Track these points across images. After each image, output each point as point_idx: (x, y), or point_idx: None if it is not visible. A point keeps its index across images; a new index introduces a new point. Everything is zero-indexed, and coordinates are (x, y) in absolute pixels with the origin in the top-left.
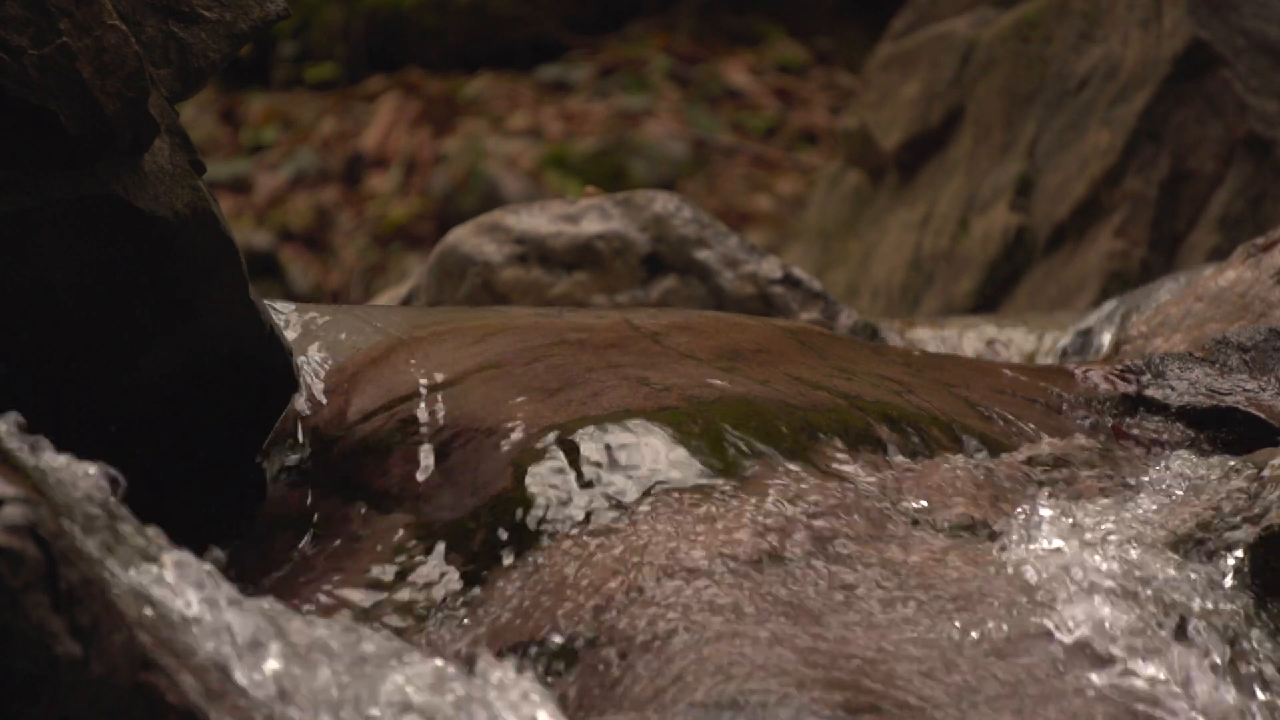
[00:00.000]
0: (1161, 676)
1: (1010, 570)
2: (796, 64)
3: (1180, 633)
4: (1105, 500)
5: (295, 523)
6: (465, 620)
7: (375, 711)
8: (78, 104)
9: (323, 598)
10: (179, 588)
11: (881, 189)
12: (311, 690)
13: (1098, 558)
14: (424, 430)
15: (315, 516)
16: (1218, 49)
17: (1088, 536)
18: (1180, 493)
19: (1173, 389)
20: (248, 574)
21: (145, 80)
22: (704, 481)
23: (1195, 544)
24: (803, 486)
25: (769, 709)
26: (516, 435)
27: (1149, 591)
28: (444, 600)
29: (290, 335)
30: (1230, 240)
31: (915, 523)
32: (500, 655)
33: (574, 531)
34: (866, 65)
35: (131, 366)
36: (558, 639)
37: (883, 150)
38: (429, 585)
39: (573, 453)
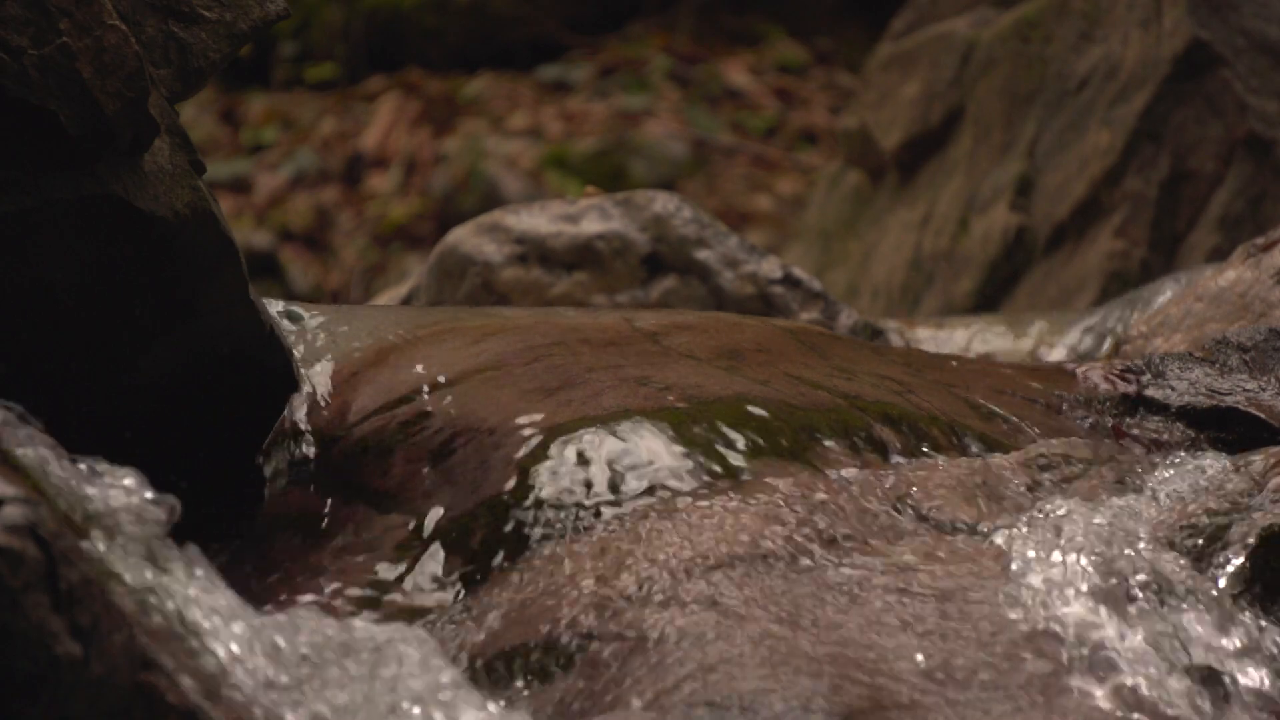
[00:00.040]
0: (1160, 677)
1: (1010, 571)
2: (796, 64)
3: (1181, 634)
4: (1105, 500)
5: (295, 523)
6: (465, 620)
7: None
8: (78, 104)
9: (323, 598)
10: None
11: (881, 189)
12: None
13: (1097, 558)
14: (424, 430)
15: (315, 517)
16: (1218, 49)
17: (1088, 537)
18: (1180, 493)
19: (1173, 389)
20: (248, 574)
21: (145, 80)
22: (703, 482)
23: (1195, 544)
24: (803, 486)
25: (768, 709)
26: (517, 435)
27: (1149, 592)
28: (444, 600)
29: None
30: (1230, 240)
31: (915, 523)
32: (499, 655)
33: (574, 531)
34: (866, 65)
35: (131, 366)
36: (557, 639)
37: (883, 150)
38: (429, 585)
39: (572, 453)
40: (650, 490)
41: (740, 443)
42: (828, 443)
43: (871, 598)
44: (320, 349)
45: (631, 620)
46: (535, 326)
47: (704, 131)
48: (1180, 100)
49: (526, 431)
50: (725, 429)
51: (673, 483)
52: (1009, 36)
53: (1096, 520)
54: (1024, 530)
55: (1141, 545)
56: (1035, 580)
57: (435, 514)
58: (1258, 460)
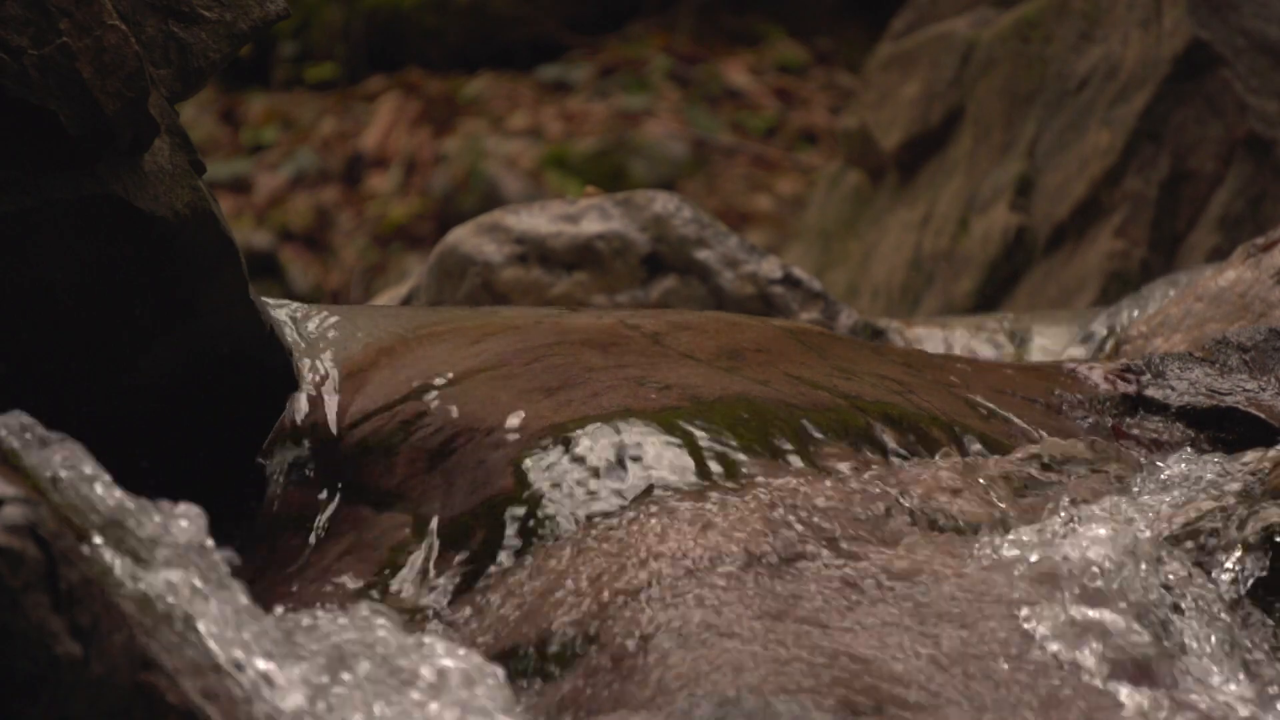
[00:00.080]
0: (1160, 677)
1: (1010, 571)
2: (796, 64)
3: (1179, 633)
4: (1105, 500)
5: (296, 523)
6: (465, 620)
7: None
8: (78, 104)
9: (324, 598)
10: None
11: (881, 189)
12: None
13: (1097, 558)
14: (424, 430)
15: (316, 516)
16: (1218, 49)
17: (1087, 537)
18: (1180, 493)
19: (1173, 389)
20: (249, 574)
21: (145, 80)
22: (703, 481)
23: (1195, 544)
24: (803, 486)
25: (769, 708)
26: (516, 435)
27: (1149, 592)
28: (444, 600)
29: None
30: (1230, 240)
31: (915, 523)
32: (499, 655)
33: (574, 531)
34: (866, 65)
35: (131, 366)
36: (557, 638)
37: (883, 150)
38: (429, 584)
39: (572, 453)
40: (650, 490)
41: (740, 442)
42: (828, 443)
43: (871, 598)
44: (320, 349)
45: (631, 620)
46: (535, 326)
47: (704, 131)
48: (1180, 100)
49: (526, 431)
50: (725, 429)
51: (672, 482)
52: (1009, 36)
53: (1096, 521)
54: (1024, 530)
55: (1142, 545)
56: (1035, 581)
57: (435, 514)
58: (1258, 460)
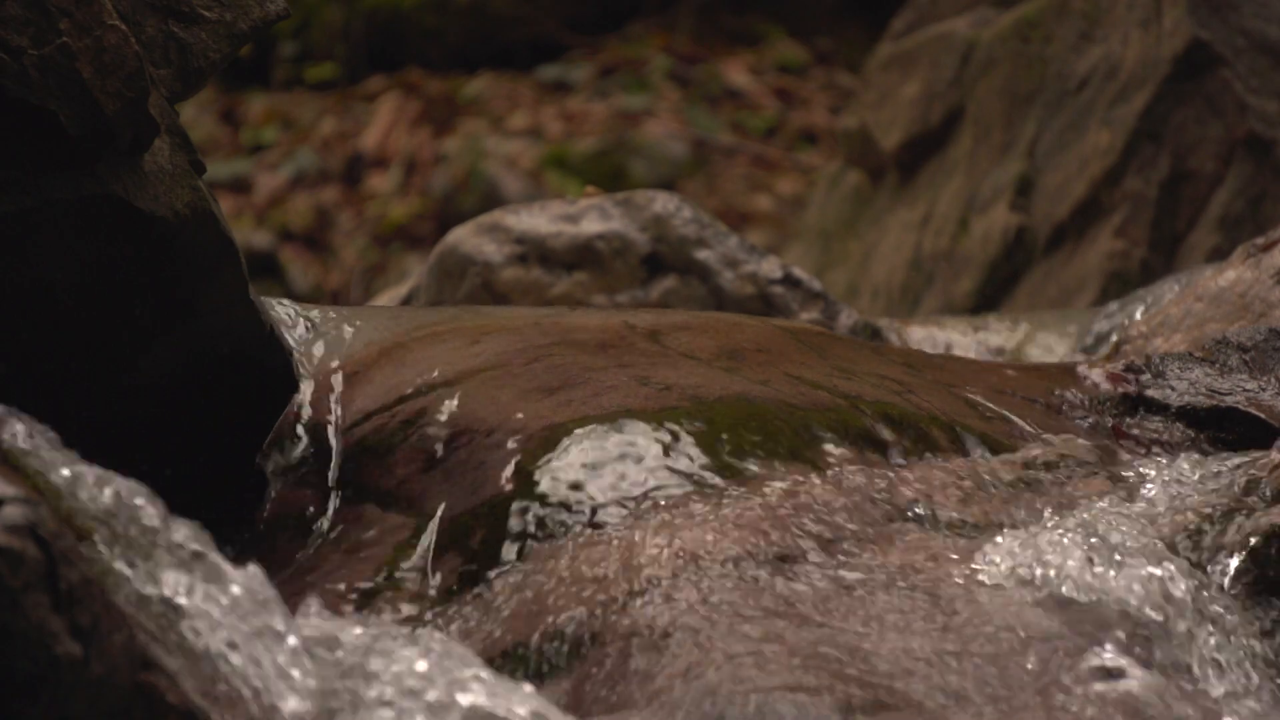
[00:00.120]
0: (1160, 678)
1: (1010, 571)
2: (796, 64)
3: (1179, 633)
4: (1105, 500)
5: (296, 523)
6: (465, 620)
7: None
8: (78, 104)
9: (324, 598)
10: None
11: (881, 189)
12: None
13: (1097, 558)
14: (424, 430)
15: (316, 517)
16: (1218, 49)
17: (1087, 537)
18: (1180, 493)
19: (1173, 389)
20: None
21: (145, 80)
22: (704, 481)
23: (1195, 544)
24: (803, 486)
25: (769, 708)
26: (517, 435)
27: (1149, 592)
28: (444, 599)
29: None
30: (1230, 240)
31: (915, 523)
32: (499, 655)
33: (574, 531)
34: (866, 65)
35: (131, 366)
36: (557, 639)
37: (883, 150)
38: (430, 584)
39: (572, 453)
40: (650, 490)
41: (740, 443)
42: (828, 443)
43: (872, 598)
44: (320, 349)
45: (632, 620)
46: (535, 326)
47: (704, 131)
48: (1180, 100)
49: (526, 431)
50: (725, 429)
51: (672, 483)
52: (1009, 36)
53: (1097, 521)
54: (1024, 531)
55: (1142, 546)
56: (1035, 581)
57: (435, 514)
58: (1258, 460)
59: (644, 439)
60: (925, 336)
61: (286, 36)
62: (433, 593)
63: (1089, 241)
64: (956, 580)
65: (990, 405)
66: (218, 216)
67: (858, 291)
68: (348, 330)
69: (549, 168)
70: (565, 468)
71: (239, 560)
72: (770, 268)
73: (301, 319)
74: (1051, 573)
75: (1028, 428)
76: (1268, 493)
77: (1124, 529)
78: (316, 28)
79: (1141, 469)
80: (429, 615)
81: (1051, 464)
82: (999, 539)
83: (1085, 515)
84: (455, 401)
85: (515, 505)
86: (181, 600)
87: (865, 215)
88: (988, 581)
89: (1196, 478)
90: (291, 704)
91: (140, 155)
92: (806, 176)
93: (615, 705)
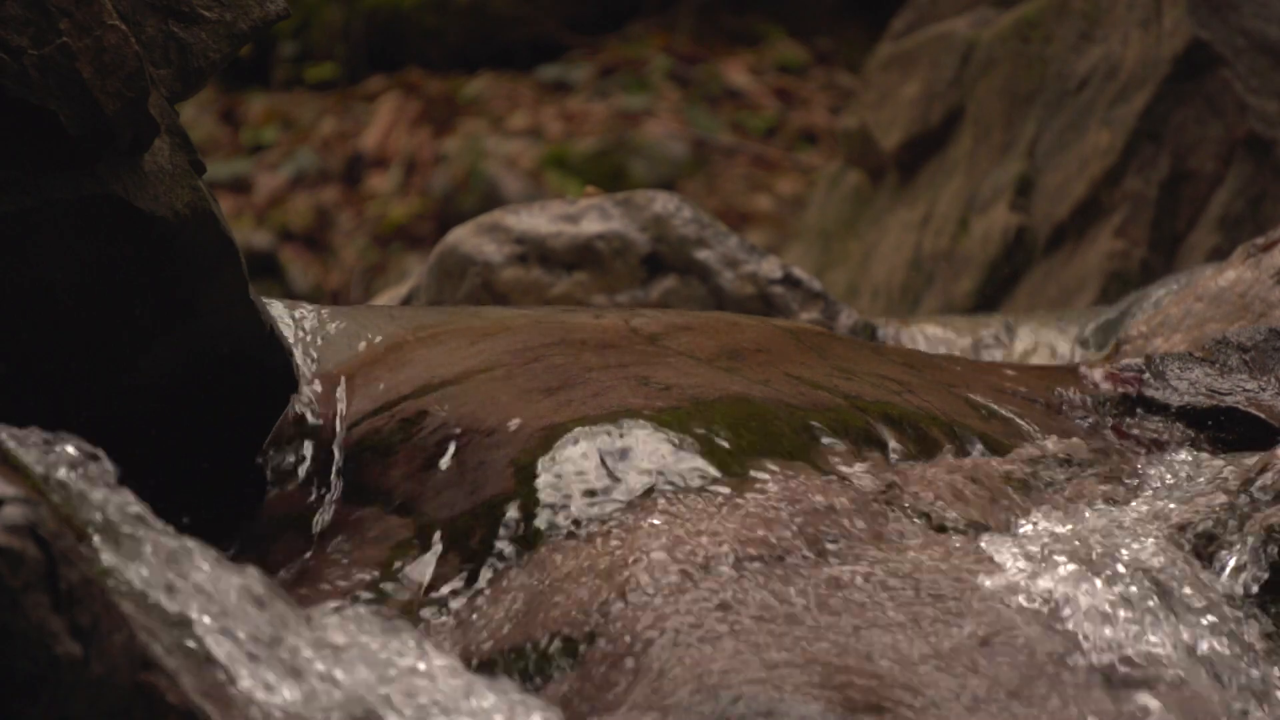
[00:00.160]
0: (1161, 677)
1: (1010, 570)
2: (796, 64)
3: (1180, 633)
4: (1105, 500)
5: (296, 523)
6: (465, 620)
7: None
8: (78, 104)
9: (324, 598)
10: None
11: (881, 189)
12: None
13: (1098, 558)
14: (424, 430)
15: (316, 517)
16: (1218, 49)
17: (1088, 537)
18: (1180, 493)
19: (1173, 389)
20: None
21: (145, 80)
22: (704, 481)
23: (1195, 544)
24: (803, 487)
25: (770, 708)
26: (516, 435)
27: (1149, 592)
28: (444, 599)
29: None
30: (1230, 240)
31: (915, 523)
32: (499, 655)
33: (573, 531)
34: (866, 65)
35: (131, 366)
36: (557, 638)
37: (883, 150)
38: (429, 584)
39: (572, 453)
40: (650, 490)
41: (740, 443)
42: (828, 443)
43: (872, 598)
44: (320, 349)
45: (631, 619)
46: (535, 326)
47: (704, 131)
48: (1180, 100)
49: (526, 431)
50: (725, 429)
51: (672, 482)
52: (1009, 36)
53: (1097, 520)
54: (1024, 531)
55: (1142, 545)
56: (1035, 581)
57: (435, 514)
58: (1257, 460)
59: (644, 439)
60: (918, 337)
61: (286, 36)
62: (433, 593)
63: (1089, 241)
64: (957, 581)
65: (990, 405)
66: (218, 216)
67: (858, 291)
68: (348, 330)
69: (549, 168)
70: (565, 468)
71: (239, 560)
72: (770, 268)
73: (300, 319)
74: (1053, 573)
75: (1028, 428)
76: (1267, 492)
77: (1124, 529)
78: (316, 28)
79: (1141, 469)
80: (429, 616)
81: (1052, 464)
82: (999, 539)
83: (1085, 515)
84: (455, 401)
85: (515, 505)
86: (182, 600)
87: (865, 215)
88: (988, 582)
89: (1196, 478)
90: (291, 704)
91: (140, 155)
92: (806, 176)
93: (614, 705)
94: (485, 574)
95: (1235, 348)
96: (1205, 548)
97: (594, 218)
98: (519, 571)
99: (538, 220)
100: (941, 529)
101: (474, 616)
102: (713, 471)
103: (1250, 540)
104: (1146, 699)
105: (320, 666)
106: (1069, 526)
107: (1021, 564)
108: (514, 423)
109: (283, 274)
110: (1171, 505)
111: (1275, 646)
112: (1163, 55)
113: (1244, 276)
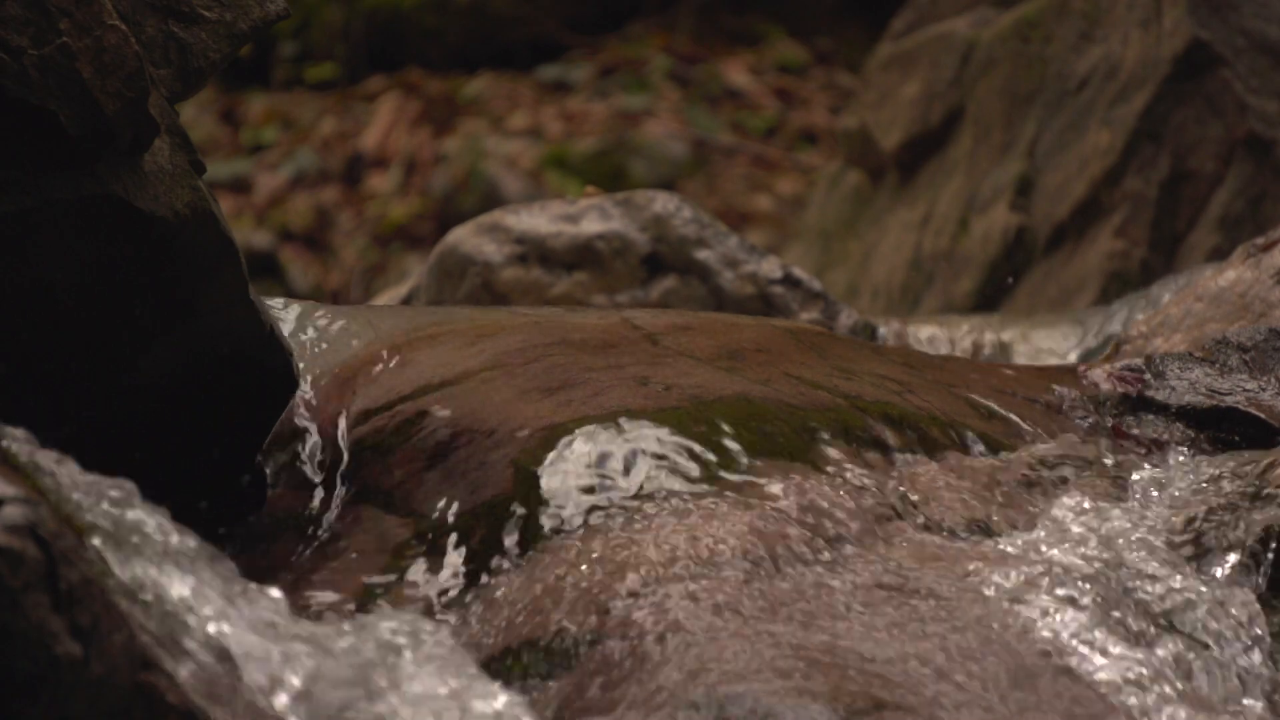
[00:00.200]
0: (1162, 677)
1: (1010, 571)
2: (796, 64)
3: (1180, 633)
4: (1105, 500)
5: (296, 523)
6: (465, 620)
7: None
8: (78, 104)
9: (324, 598)
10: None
11: (881, 189)
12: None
13: (1098, 558)
14: (424, 430)
15: (316, 517)
16: (1218, 49)
17: (1088, 537)
18: (1180, 493)
19: (1173, 389)
20: (249, 575)
21: (145, 80)
22: (703, 482)
23: (1195, 544)
24: (803, 487)
25: (769, 708)
26: (516, 435)
27: (1149, 592)
28: (444, 600)
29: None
30: (1230, 240)
31: (915, 523)
32: (499, 655)
33: (573, 531)
34: (866, 65)
35: (131, 366)
36: (557, 639)
37: (883, 150)
38: (429, 585)
39: (572, 453)
40: (650, 490)
41: (740, 443)
42: (828, 443)
43: (871, 598)
44: (320, 349)
45: (631, 620)
46: (535, 326)
47: (704, 131)
48: (1180, 100)
49: (526, 431)
50: (725, 429)
51: (672, 483)
52: (1009, 36)
53: (1096, 521)
54: (1024, 531)
55: (1142, 545)
56: (1036, 582)
57: (435, 514)
58: (1257, 460)
59: (644, 439)
60: (920, 337)
61: (286, 36)
62: (433, 593)
63: (1089, 241)
64: (957, 581)
65: (990, 405)
66: (218, 216)
67: (858, 291)
68: (348, 330)
69: (549, 168)
70: (565, 468)
71: (239, 559)
72: (770, 268)
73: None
74: (1052, 573)
75: (1028, 428)
76: (1267, 492)
77: (1124, 529)
78: (316, 28)
79: (1142, 469)
80: (429, 616)
81: (1052, 464)
82: (999, 539)
83: (1085, 515)
84: (455, 401)
85: (515, 505)
86: (181, 601)
87: (865, 215)
88: (988, 583)
89: (1196, 478)
90: (291, 705)
91: (140, 155)
92: (806, 176)
93: (614, 705)
94: (485, 574)
95: (1235, 348)
96: (1205, 547)
97: (594, 218)
98: (519, 572)
99: (538, 220)
100: (941, 529)
101: (474, 617)
102: (712, 472)
103: (1250, 540)
104: (1146, 700)
105: (316, 667)
106: (1069, 528)
107: (1021, 565)
108: (514, 423)
109: (283, 274)
110: (1171, 505)
111: (1277, 647)
112: (1163, 55)
113: (1244, 276)
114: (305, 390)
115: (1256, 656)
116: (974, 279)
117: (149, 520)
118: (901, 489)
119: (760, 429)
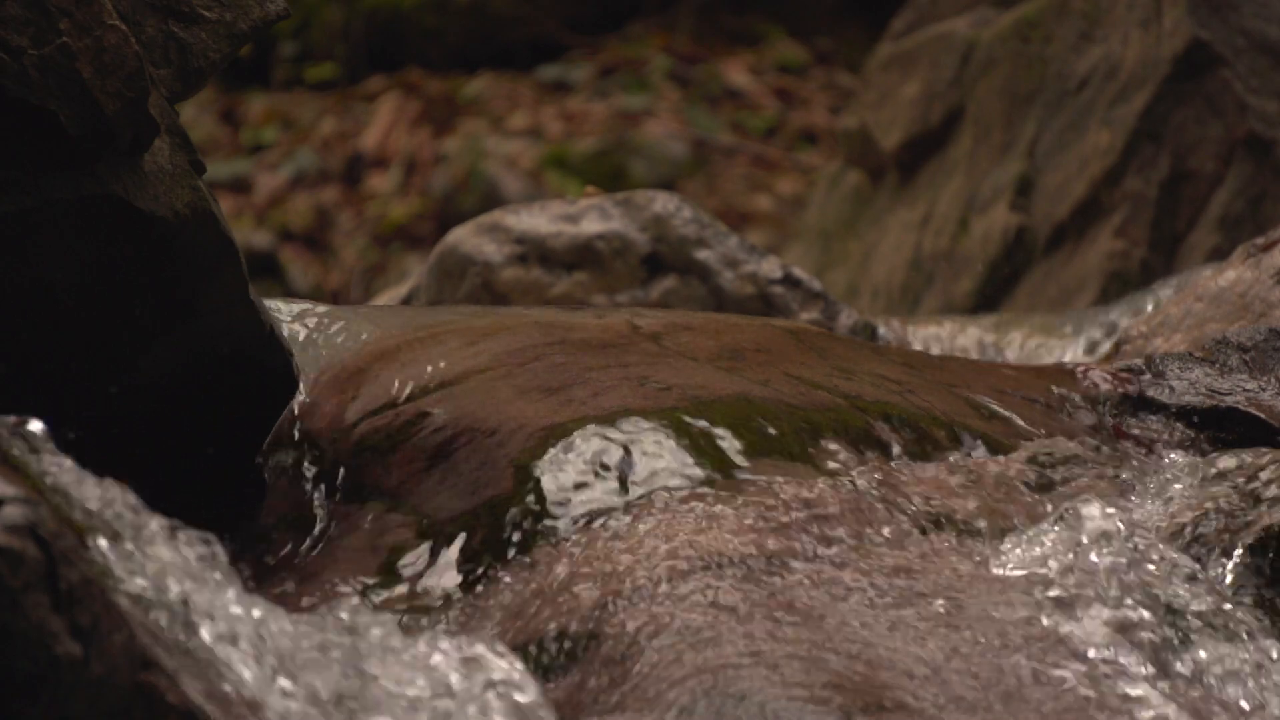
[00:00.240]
0: (1161, 677)
1: (1010, 571)
2: (796, 64)
3: (1180, 633)
4: (1104, 500)
5: (296, 523)
6: (466, 619)
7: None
8: (78, 104)
9: (324, 597)
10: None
11: (881, 189)
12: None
13: (1097, 558)
14: (424, 430)
15: (316, 517)
16: (1218, 49)
17: (1087, 537)
18: (1180, 493)
19: (1173, 389)
20: (249, 575)
21: (145, 80)
22: (703, 481)
23: (1194, 544)
24: (803, 487)
25: (769, 708)
26: (517, 435)
27: (1149, 592)
28: (444, 600)
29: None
30: (1230, 240)
31: (915, 523)
32: (500, 654)
33: (574, 531)
34: (866, 65)
35: (131, 366)
36: (556, 638)
37: (883, 150)
38: (429, 585)
39: (572, 453)
40: (650, 490)
41: (740, 443)
42: (828, 443)
43: (871, 599)
44: (320, 349)
45: (631, 620)
46: (535, 326)
47: (704, 131)
48: (1180, 100)
49: (526, 431)
50: (725, 429)
51: (672, 483)
52: (1009, 36)
53: (1097, 521)
54: (1024, 531)
55: (1142, 545)
56: (1036, 581)
57: (435, 514)
58: (1257, 460)
59: (644, 439)
60: (921, 337)
61: (286, 36)
62: (433, 593)
63: (1089, 241)
64: (957, 581)
65: (990, 405)
66: (218, 216)
67: (858, 291)
68: (348, 330)
69: (549, 168)
70: (565, 467)
71: (239, 560)
72: (770, 268)
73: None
74: (1052, 573)
75: (1028, 428)
76: (1267, 492)
77: (1124, 529)
78: (316, 28)
79: (1141, 469)
80: (429, 615)
81: (1052, 464)
82: (1000, 539)
83: (1085, 515)
84: (455, 401)
85: (515, 505)
86: (182, 601)
87: (865, 215)
88: (989, 582)
89: (1196, 477)
90: (291, 705)
91: (140, 155)
92: (806, 176)
93: (615, 705)
94: (486, 574)
95: (1235, 348)
96: (1205, 547)
97: (594, 218)
98: (519, 572)
99: (538, 220)
100: (941, 530)
101: (474, 617)
102: (712, 472)
103: (1250, 540)
104: (1150, 701)
105: (316, 666)
106: (1068, 528)
107: (1022, 565)
108: (514, 423)
109: (283, 274)
110: (1171, 505)
111: (1275, 646)
112: (1163, 55)
113: (1244, 276)
114: (305, 390)
115: (1257, 657)
116: (974, 279)
117: (150, 520)
118: (901, 489)
119: (760, 429)
